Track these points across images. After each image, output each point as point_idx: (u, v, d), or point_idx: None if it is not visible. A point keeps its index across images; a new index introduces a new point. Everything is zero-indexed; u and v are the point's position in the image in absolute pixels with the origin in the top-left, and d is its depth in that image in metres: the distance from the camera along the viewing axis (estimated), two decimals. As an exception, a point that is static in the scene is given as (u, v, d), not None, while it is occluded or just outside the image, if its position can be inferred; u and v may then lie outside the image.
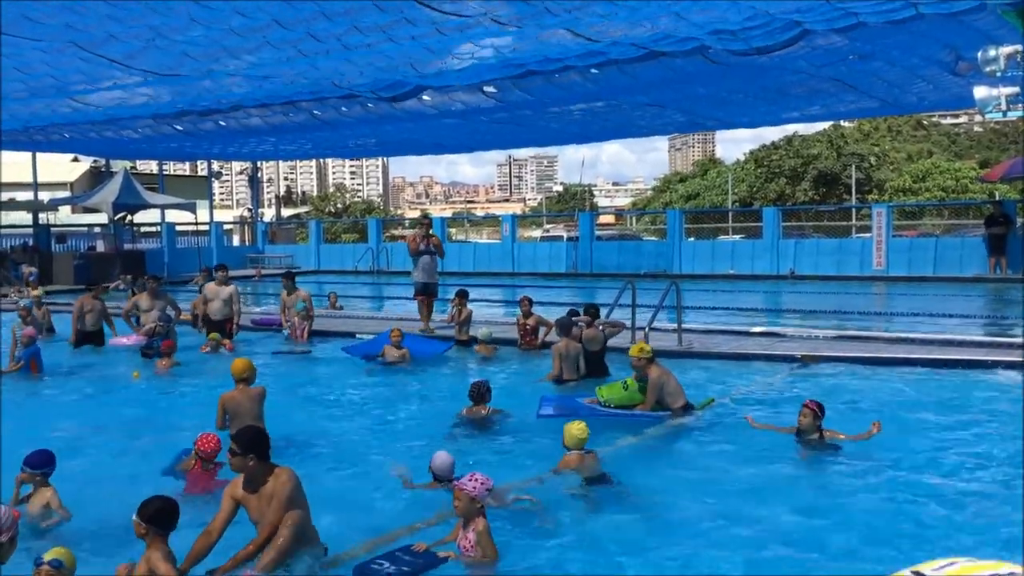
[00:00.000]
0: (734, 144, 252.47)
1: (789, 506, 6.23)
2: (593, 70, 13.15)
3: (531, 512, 6.01)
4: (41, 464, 6.02)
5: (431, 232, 15.23)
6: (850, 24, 11.19)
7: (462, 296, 14.09)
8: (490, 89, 14.55)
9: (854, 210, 44.79)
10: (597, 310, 11.95)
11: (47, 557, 4.43)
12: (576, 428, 7.14)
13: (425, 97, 14.77)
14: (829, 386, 10.20)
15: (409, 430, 8.84)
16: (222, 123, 17.41)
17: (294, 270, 33.96)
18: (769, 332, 13.68)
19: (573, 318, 11.50)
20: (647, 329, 11.96)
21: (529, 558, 5.35)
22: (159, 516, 4.67)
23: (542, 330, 13.33)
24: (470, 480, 5.18)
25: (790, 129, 60.82)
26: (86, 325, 14.46)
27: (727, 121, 21.14)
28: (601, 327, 11.35)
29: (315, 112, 15.75)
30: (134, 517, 4.70)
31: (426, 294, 14.99)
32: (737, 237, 36.01)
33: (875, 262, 25.36)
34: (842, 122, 60.04)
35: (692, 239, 31.47)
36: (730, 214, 43.03)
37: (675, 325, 12.90)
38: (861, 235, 33.62)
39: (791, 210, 39.22)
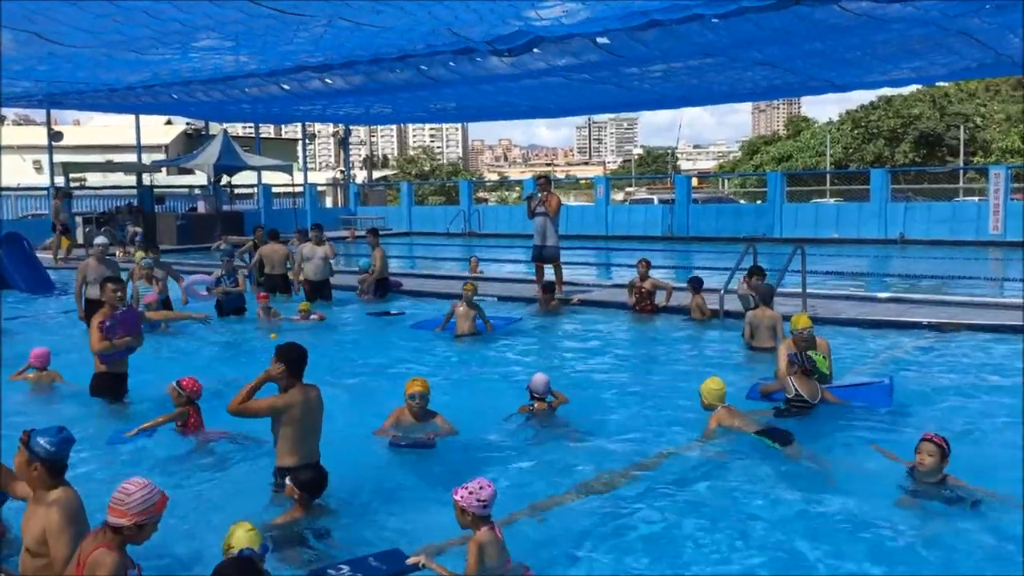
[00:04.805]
0: (820, 106, 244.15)
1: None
2: (714, 19, 12.53)
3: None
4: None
5: (545, 191, 14.48)
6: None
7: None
8: (603, 40, 13.92)
9: (961, 172, 42.93)
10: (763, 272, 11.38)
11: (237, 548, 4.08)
12: (713, 382, 6.87)
13: (536, 51, 14.24)
14: (972, 360, 9.67)
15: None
16: (328, 81, 17.34)
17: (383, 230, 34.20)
18: (897, 298, 13.10)
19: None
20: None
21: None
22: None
23: (660, 295, 12.98)
24: (462, 488, 4.47)
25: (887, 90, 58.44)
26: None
27: (841, 84, 19.87)
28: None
29: (421, 67, 15.52)
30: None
31: (541, 259, 14.54)
32: (832, 200, 34.88)
33: (991, 226, 24.25)
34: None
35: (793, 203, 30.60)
36: (828, 176, 41.59)
37: (796, 290, 12.43)
38: (970, 198, 32.22)
39: (901, 171, 37.46)
